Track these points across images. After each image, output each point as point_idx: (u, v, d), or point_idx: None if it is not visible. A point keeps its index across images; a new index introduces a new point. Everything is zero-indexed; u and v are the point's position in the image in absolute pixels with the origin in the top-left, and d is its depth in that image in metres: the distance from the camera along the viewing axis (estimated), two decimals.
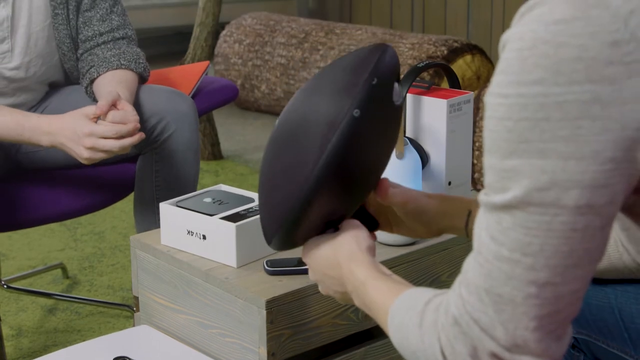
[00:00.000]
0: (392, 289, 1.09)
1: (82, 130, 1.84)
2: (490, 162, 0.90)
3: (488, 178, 0.91)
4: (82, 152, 1.85)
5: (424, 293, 1.02)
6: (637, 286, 1.22)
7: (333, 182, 1.15)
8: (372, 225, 1.32)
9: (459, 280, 0.96)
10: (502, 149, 0.88)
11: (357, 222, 1.22)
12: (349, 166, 1.15)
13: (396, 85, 1.19)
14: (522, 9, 0.89)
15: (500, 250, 0.90)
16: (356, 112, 1.13)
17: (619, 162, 0.85)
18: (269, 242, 1.22)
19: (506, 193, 0.88)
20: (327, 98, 1.15)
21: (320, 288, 1.23)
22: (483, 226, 0.92)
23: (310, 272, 1.24)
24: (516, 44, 0.87)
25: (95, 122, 1.86)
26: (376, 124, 1.16)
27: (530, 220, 0.88)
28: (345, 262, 1.17)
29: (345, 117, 1.13)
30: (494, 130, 0.89)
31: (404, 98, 1.23)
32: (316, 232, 1.21)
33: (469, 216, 1.28)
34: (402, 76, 1.27)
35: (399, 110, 1.22)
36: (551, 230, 0.87)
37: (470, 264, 0.94)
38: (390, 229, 1.33)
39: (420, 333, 0.98)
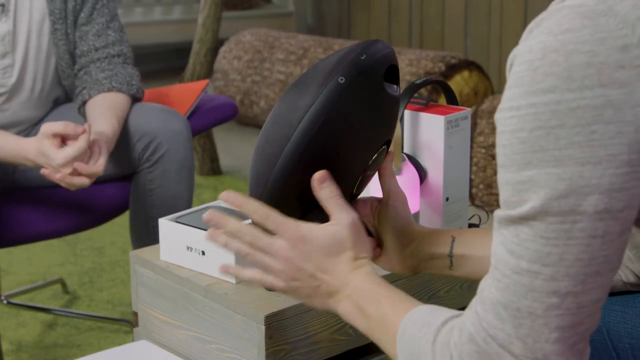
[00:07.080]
0: (403, 301, 1.07)
1: (49, 155, 1.87)
2: (505, 177, 0.89)
3: (504, 194, 0.90)
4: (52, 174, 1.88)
5: (442, 312, 1.01)
6: (624, 304, 1.22)
7: (317, 139, 1.15)
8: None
9: (475, 300, 0.95)
10: (517, 161, 0.87)
11: (354, 213, 1.16)
12: (332, 128, 1.16)
13: (392, 85, 1.21)
14: (531, 25, 0.90)
15: (519, 263, 0.89)
16: (341, 79, 1.16)
17: (635, 165, 0.85)
18: None
19: (524, 205, 0.88)
20: (323, 66, 1.19)
21: (277, 267, 1.14)
22: (499, 241, 0.91)
23: (284, 245, 1.14)
24: (525, 57, 0.87)
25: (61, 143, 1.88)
26: (361, 99, 1.17)
27: (549, 230, 0.87)
28: (348, 260, 1.12)
29: (330, 82, 1.15)
30: (506, 145, 0.88)
31: (399, 91, 1.25)
32: (297, 200, 1.19)
33: (454, 242, 1.28)
34: (400, 91, 1.29)
35: (393, 100, 1.21)
36: (571, 239, 0.86)
37: (486, 282, 0.93)
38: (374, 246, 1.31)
39: (432, 351, 0.97)
